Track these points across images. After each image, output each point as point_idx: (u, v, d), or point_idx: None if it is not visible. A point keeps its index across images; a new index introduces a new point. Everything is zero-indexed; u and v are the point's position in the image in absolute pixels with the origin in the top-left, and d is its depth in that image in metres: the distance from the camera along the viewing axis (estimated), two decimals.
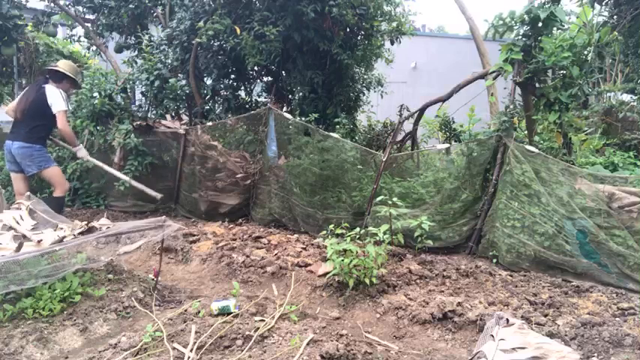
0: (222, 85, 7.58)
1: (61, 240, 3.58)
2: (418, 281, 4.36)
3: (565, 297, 3.98)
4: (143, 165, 6.50)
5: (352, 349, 3.05)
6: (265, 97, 7.96)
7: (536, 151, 4.84)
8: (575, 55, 4.88)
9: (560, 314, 3.62)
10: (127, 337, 3.18)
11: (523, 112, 5.55)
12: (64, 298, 3.58)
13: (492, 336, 2.54)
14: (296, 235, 5.76)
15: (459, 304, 3.75)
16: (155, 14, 8.65)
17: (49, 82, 5.42)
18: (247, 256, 4.91)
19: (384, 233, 4.48)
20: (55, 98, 5.28)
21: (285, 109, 7.29)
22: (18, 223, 3.99)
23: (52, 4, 9.13)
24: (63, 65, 5.53)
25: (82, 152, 5.62)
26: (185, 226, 5.88)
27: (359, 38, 7.53)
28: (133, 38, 8.81)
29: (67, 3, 9.13)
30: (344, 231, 4.45)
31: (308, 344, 2.98)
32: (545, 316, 3.59)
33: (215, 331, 3.20)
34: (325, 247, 4.33)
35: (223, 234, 5.76)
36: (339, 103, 7.48)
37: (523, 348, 2.43)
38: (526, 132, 5.94)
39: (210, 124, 6.72)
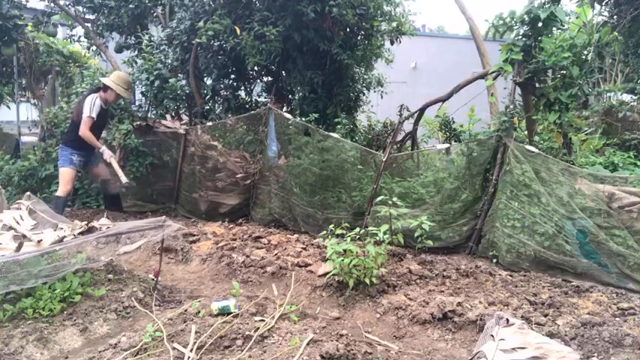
0: (222, 85, 7.58)
1: (61, 240, 3.58)
2: (418, 281, 4.36)
3: (565, 297, 3.98)
4: (144, 165, 6.51)
5: (352, 349, 3.05)
6: (265, 97, 7.96)
7: (536, 151, 4.84)
8: (575, 55, 4.88)
9: (560, 314, 3.62)
10: (127, 337, 3.18)
11: (523, 112, 5.56)
12: (64, 298, 3.58)
13: (492, 336, 2.54)
14: (296, 235, 5.76)
15: (459, 304, 3.75)
16: (155, 14, 8.64)
17: (99, 91, 5.79)
18: (247, 256, 4.90)
19: (384, 233, 4.48)
20: (86, 105, 5.61)
21: (285, 109, 7.29)
22: (18, 223, 3.99)
23: (52, 4, 9.13)
24: (113, 77, 5.83)
25: (106, 154, 5.79)
26: (185, 226, 5.88)
27: (359, 38, 7.53)
28: (133, 38, 8.81)
29: (67, 3, 9.13)
30: (344, 231, 4.45)
31: (308, 344, 2.98)
32: (545, 316, 3.59)
33: (215, 331, 3.20)
34: (325, 247, 4.33)
35: (223, 234, 5.76)
36: (339, 103, 7.48)
37: (523, 348, 2.43)
38: (526, 132, 5.94)
39: (210, 124, 6.72)
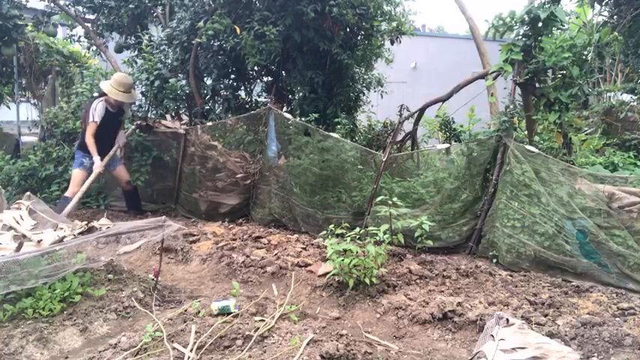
0: (222, 85, 7.57)
1: (61, 240, 3.58)
2: (418, 281, 4.36)
3: (565, 297, 3.98)
4: (150, 159, 6.59)
5: (352, 349, 3.05)
6: (265, 97, 7.96)
7: (536, 151, 4.84)
8: (575, 55, 4.88)
9: (560, 314, 3.62)
10: (127, 337, 3.18)
11: (523, 112, 5.55)
12: (64, 298, 3.58)
13: (492, 336, 2.55)
14: (296, 235, 5.75)
15: (459, 304, 3.75)
16: (155, 14, 8.65)
17: (105, 95, 5.87)
18: (247, 256, 4.90)
19: (384, 233, 4.48)
20: (90, 111, 5.78)
21: (285, 109, 7.29)
22: (18, 223, 3.99)
23: (52, 4, 9.13)
24: (112, 80, 5.83)
25: (95, 164, 5.75)
26: (185, 226, 5.87)
27: (359, 38, 7.53)
28: (133, 38, 8.81)
29: (67, 3, 9.13)
30: (344, 231, 4.44)
31: (308, 344, 2.98)
32: (545, 316, 3.59)
33: (215, 331, 3.20)
34: (325, 247, 4.33)
35: (223, 234, 5.76)
36: (339, 103, 7.48)
37: (523, 348, 2.43)
38: (526, 132, 5.94)
39: (210, 124, 6.72)
